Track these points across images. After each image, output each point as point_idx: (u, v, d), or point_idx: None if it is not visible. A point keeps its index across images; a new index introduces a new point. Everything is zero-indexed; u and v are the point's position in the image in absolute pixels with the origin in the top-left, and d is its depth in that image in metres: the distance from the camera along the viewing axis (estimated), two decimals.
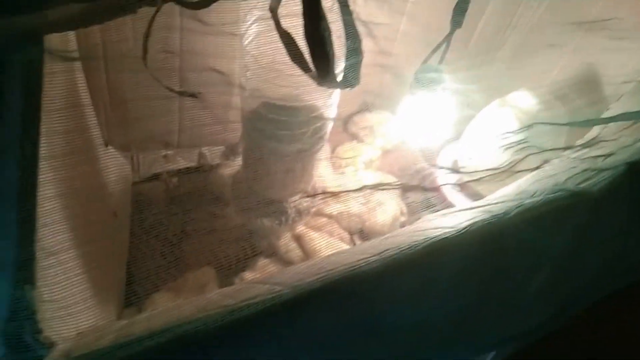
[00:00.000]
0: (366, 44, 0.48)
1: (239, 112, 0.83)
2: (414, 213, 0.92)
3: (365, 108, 0.95)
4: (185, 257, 0.80)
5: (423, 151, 0.91)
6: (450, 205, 0.92)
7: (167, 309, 0.40)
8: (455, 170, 0.76)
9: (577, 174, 0.49)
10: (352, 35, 0.48)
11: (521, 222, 0.42)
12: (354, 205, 0.87)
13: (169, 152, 0.87)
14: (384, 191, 0.89)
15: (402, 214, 0.89)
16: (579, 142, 0.57)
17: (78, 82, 0.62)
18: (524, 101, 0.73)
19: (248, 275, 0.79)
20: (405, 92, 0.85)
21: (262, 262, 0.81)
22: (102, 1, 0.35)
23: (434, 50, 0.62)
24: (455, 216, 0.43)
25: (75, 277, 0.55)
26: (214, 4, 0.45)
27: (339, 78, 0.48)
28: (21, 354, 0.34)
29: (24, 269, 0.36)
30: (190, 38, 0.61)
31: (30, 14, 0.32)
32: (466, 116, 0.77)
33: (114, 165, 0.79)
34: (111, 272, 0.73)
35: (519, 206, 0.43)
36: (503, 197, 0.44)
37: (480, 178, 0.61)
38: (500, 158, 0.61)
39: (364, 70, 0.48)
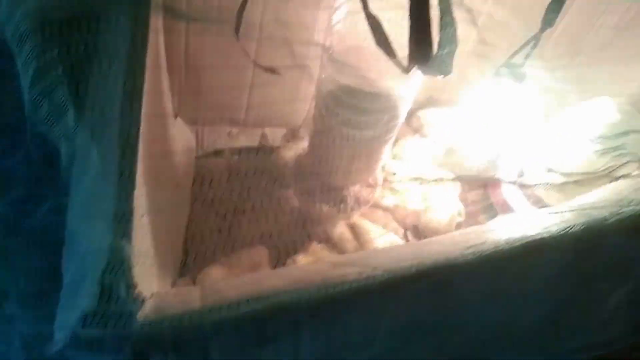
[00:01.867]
0: (466, 32, 0.47)
1: (307, 95, 0.83)
2: (470, 215, 0.90)
3: (430, 103, 0.93)
4: (239, 234, 0.81)
5: (488, 153, 0.88)
6: (508, 210, 0.90)
7: (252, 278, 0.40)
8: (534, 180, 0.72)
9: None
10: (448, 22, 0.47)
11: (618, 230, 0.40)
12: (411, 201, 0.85)
13: (233, 129, 0.88)
14: (443, 190, 0.87)
15: (459, 214, 0.87)
16: None
17: (160, 44, 0.62)
18: (605, 110, 0.69)
19: (301, 258, 0.79)
20: (478, 88, 0.83)
21: (315, 246, 0.81)
22: None
23: (523, 46, 0.60)
24: (549, 217, 0.41)
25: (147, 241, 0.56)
26: None
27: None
28: (112, 307, 0.35)
29: (123, 221, 0.36)
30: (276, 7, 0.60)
31: None
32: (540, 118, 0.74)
33: (181, 137, 0.80)
34: (170, 241, 0.74)
35: (619, 213, 0.40)
36: (602, 201, 0.42)
37: (574, 181, 0.58)
38: (594, 163, 0.59)
39: (463, 59, 0.46)
